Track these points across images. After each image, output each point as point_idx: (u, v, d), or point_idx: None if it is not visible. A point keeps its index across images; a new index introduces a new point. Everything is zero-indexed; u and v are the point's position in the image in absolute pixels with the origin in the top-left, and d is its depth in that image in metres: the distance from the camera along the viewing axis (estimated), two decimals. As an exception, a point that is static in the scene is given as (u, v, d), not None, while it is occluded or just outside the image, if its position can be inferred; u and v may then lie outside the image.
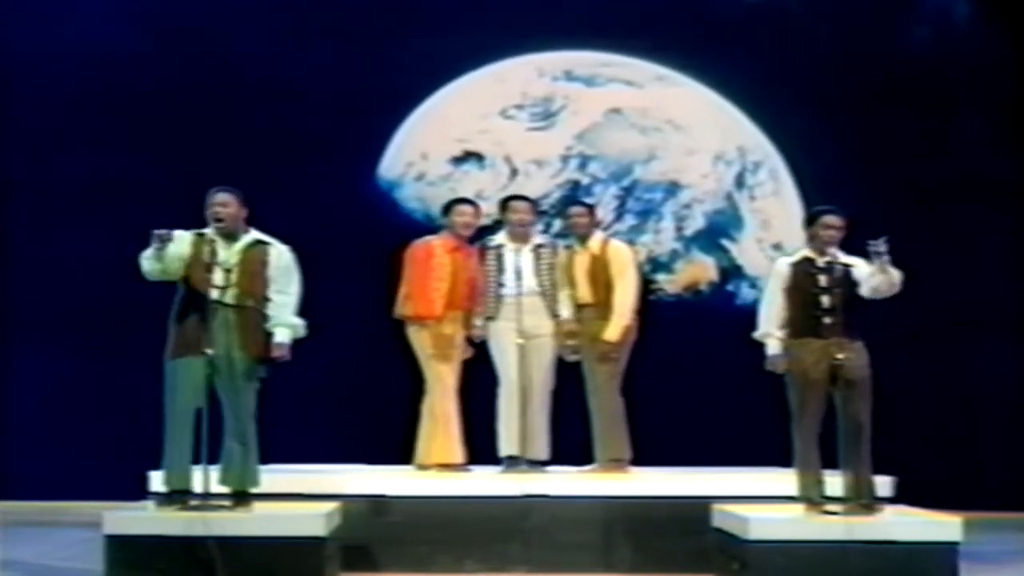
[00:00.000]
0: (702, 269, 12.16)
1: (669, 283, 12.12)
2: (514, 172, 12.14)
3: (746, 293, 11.89)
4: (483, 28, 12.00)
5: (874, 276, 7.05)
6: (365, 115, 11.82)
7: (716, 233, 12.15)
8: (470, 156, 12.19)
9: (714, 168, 12.20)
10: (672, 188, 12.16)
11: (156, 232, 6.96)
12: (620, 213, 12.11)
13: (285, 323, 7.29)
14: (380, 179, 12.13)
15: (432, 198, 12.00)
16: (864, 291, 7.24)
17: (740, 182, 12.19)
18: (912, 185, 11.71)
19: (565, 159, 12.19)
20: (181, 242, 7.15)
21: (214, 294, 7.07)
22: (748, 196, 12.17)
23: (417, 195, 12.16)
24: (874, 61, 11.94)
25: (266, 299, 7.23)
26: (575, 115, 12.22)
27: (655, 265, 12.10)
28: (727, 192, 12.18)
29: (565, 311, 8.56)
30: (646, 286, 10.59)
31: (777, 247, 11.75)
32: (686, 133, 12.21)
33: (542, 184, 12.01)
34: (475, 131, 12.24)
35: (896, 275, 7.11)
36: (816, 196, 10.91)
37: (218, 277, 7.07)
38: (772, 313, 7.44)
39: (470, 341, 8.61)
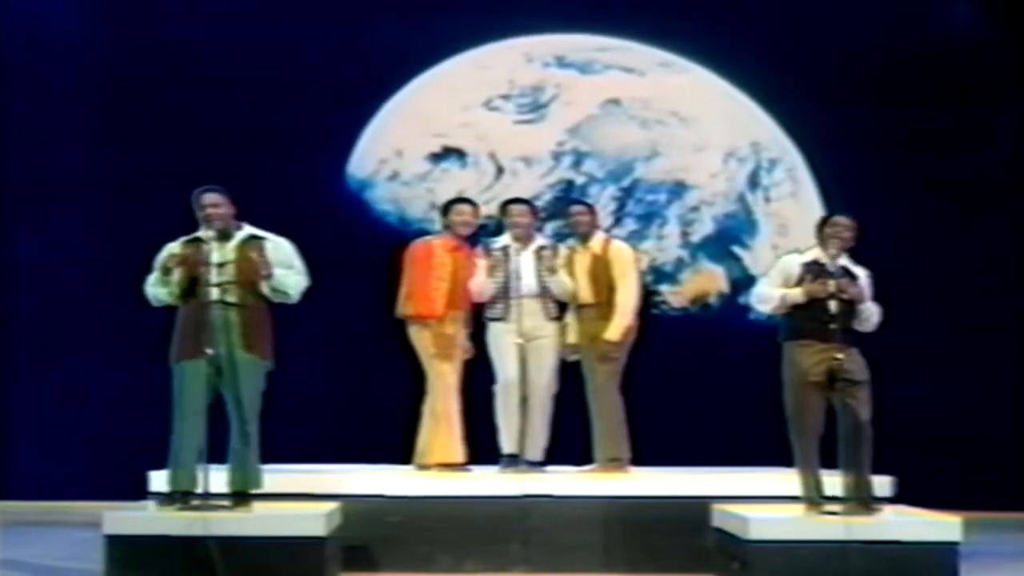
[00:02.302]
0: (711, 279, 12.05)
1: (674, 295, 12.02)
2: (500, 170, 12.02)
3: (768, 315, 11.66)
4: (464, 9, 11.88)
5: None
6: (332, 107, 11.75)
7: (727, 239, 12.03)
8: (450, 153, 12.08)
9: (725, 166, 12.10)
10: (677, 189, 12.06)
11: (163, 263, 7.56)
12: (619, 217, 11.93)
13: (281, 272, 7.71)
14: (349, 178, 12.04)
15: (407, 199, 12.03)
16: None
17: (754, 182, 12.11)
18: (945, 185, 11.70)
19: (557, 156, 12.09)
20: (170, 253, 7.64)
21: (213, 294, 7.51)
22: (763, 198, 12.09)
23: (390, 196, 12.05)
24: (903, 48, 11.87)
25: (266, 296, 7.65)
26: (568, 106, 12.11)
27: (658, 275, 11.97)
28: (739, 193, 12.09)
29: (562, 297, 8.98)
30: (648, 298, 10.69)
31: (797, 255, 11.62)
32: (693, 127, 12.10)
33: (531, 184, 11.81)
34: (455, 124, 12.11)
35: (872, 324, 7.76)
36: (839, 198, 11.21)
37: (215, 277, 7.52)
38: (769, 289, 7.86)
39: (472, 340, 9.07)
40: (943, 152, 11.79)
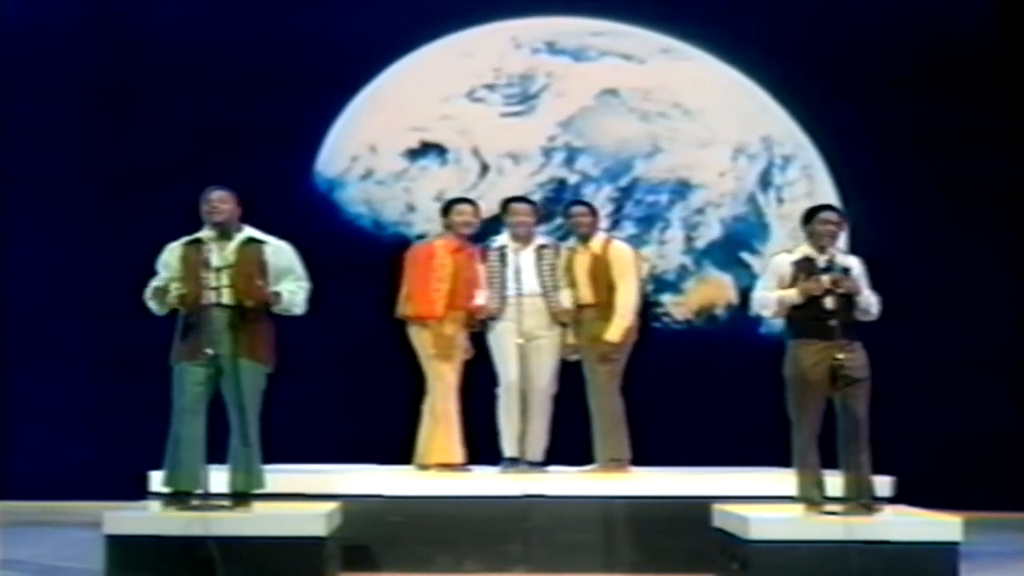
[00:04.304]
0: (718, 289, 12.02)
1: (677, 306, 12.00)
2: (484, 168, 11.97)
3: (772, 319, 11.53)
4: (444, -11, 11.80)
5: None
6: (298, 99, 11.68)
7: (735, 244, 11.98)
8: (429, 148, 12.03)
9: (733, 164, 12.06)
10: (681, 188, 12.03)
11: (158, 286, 8.01)
12: (617, 219, 11.82)
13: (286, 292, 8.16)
14: (318, 177, 12.02)
15: (382, 200, 12.03)
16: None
17: (766, 181, 12.08)
18: (970, 184, 11.75)
19: (548, 152, 12.05)
20: (170, 254, 8.13)
21: (211, 296, 7.97)
22: (775, 198, 12.06)
23: (363, 196, 12.02)
24: (930, 36, 11.87)
25: (266, 299, 8.07)
26: (560, 97, 12.08)
27: (660, 284, 11.93)
28: (749, 193, 12.07)
29: (566, 302, 9.42)
30: (648, 309, 10.94)
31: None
32: (698, 120, 12.07)
33: (519, 183, 11.65)
34: (435, 117, 12.05)
35: (872, 315, 8.12)
36: (858, 198, 11.43)
37: (211, 279, 7.98)
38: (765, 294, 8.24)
39: (472, 340, 9.51)
40: (975, 148, 11.80)
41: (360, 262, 11.34)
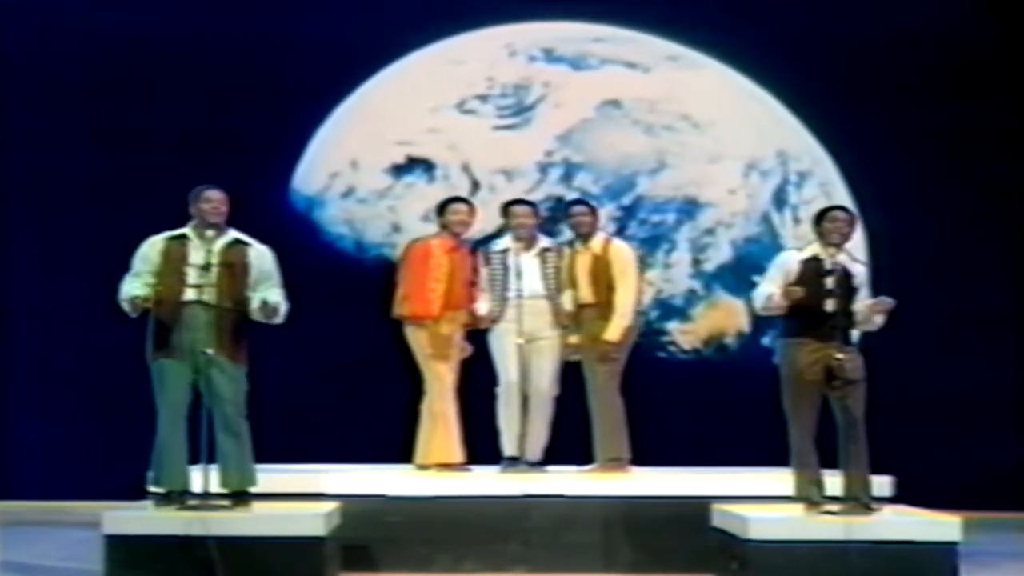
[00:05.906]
0: (728, 315, 11.93)
1: (684, 334, 11.92)
2: (475, 185, 11.83)
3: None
4: (433, -9, 11.64)
5: (863, 311, 8.36)
6: (275, 109, 11.59)
7: (747, 267, 11.62)
8: (416, 164, 11.95)
9: (745, 180, 11.98)
10: (689, 207, 11.95)
11: (136, 296, 8.19)
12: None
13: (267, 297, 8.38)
14: (295, 194, 11.92)
15: (364, 220, 11.95)
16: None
17: (780, 199, 12.00)
18: (998, 199, 11.76)
19: (544, 168, 11.98)
20: (151, 248, 8.35)
21: (190, 294, 8.24)
22: (791, 218, 11.93)
23: (344, 216, 11.92)
24: (957, 42, 11.81)
25: (244, 301, 8.34)
26: (558, 108, 12.00)
27: (665, 310, 11.85)
28: (763, 212, 11.98)
29: (567, 303, 9.72)
30: (653, 337, 11.40)
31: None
32: (708, 133, 11.99)
33: None
34: (422, 130, 11.96)
35: (876, 325, 8.50)
36: (879, 216, 11.39)
37: (194, 277, 8.25)
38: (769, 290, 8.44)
39: (472, 340, 9.80)
40: (1007, 160, 11.76)
41: (341, 285, 11.36)
